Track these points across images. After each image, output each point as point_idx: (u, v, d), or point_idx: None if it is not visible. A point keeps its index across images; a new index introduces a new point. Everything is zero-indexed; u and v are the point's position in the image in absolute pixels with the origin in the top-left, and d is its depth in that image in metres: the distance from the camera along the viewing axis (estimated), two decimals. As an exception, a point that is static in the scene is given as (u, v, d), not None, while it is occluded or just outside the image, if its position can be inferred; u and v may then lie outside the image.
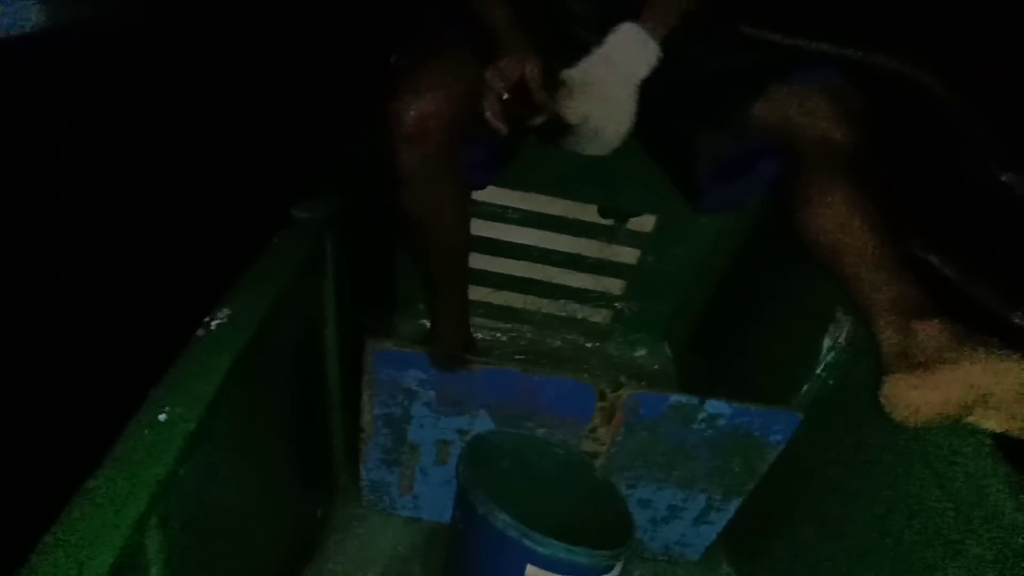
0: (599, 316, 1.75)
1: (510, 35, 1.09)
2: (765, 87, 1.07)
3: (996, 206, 1.41)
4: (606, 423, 1.15)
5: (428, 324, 1.40)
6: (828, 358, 1.15)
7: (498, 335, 1.73)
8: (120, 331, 1.04)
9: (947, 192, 1.44)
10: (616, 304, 1.73)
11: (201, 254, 1.13)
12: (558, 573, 0.98)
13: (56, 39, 1.00)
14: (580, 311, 1.74)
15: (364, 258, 1.43)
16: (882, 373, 0.89)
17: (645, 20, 1.11)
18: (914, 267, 0.93)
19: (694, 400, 1.12)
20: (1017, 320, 1.17)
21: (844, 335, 1.13)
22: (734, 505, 1.24)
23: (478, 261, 1.64)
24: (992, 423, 0.84)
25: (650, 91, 1.13)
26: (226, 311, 0.85)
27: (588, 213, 1.58)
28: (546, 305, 1.73)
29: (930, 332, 0.86)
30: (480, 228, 1.59)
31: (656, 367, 1.73)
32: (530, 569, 0.98)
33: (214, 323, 0.83)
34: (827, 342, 1.15)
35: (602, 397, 1.12)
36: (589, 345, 1.75)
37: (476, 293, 1.69)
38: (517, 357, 1.67)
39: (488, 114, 1.07)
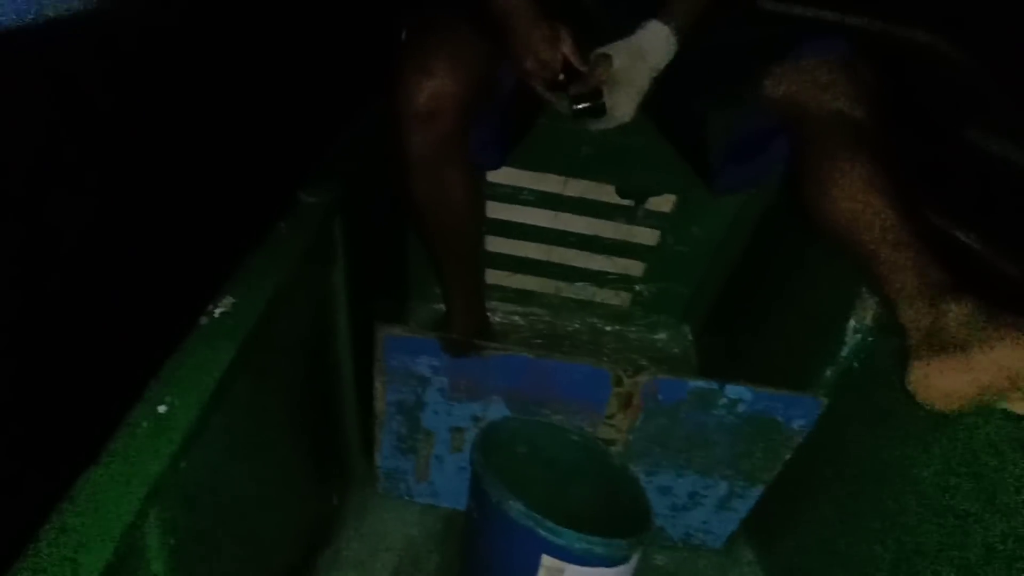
0: (618, 298, 1.71)
1: (530, 15, 1.08)
2: (773, 61, 1.04)
3: (1017, 177, 1.35)
4: (623, 409, 1.12)
5: (444, 309, 1.38)
6: (853, 340, 1.11)
7: (515, 319, 1.70)
8: (122, 320, 1.03)
9: (966, 165, 1.38)
10: (635, 286, 1.69)
11: (205, 241, 1.12)
12: (574, 563, 0.96)
13: (59, 26, 0.98)
14: (598, 294, 1.71)
15: (376, 243, 1.41)
16: (908, 357, 0.85)
17: (668, 16, 1.09)
18: (936, 244, 0.88)
19: (714, 385, 1.09)
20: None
21: (870, 315, 1.09)
22: (757, 492, 1.21)
23: (493, 244, 1.62)
24: (1025, 407, 0.80)
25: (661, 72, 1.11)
26: (229, 299, 0.84)
27: (605, 193, 1.55)
28: (563, 288, 1.70)
29: (957, 312, 0.81)
30: (495, 210, 1.57)
31: (676, 350, 1.69)
32: (545, 559, 0.96)
33: (216, 311, 0.82)
34: (852, 323, 1.11)
35: (618, 382, 1.09)
36: (608, 328, 1.72)
37: (492, 276, 1.67)
38: (534, 341, 1.65)
39: (549, 96, 1.11)
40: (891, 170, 0.93)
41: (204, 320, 0.80)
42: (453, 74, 1.06)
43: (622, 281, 1.68)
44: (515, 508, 0.96)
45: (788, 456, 1.16)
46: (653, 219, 1.58)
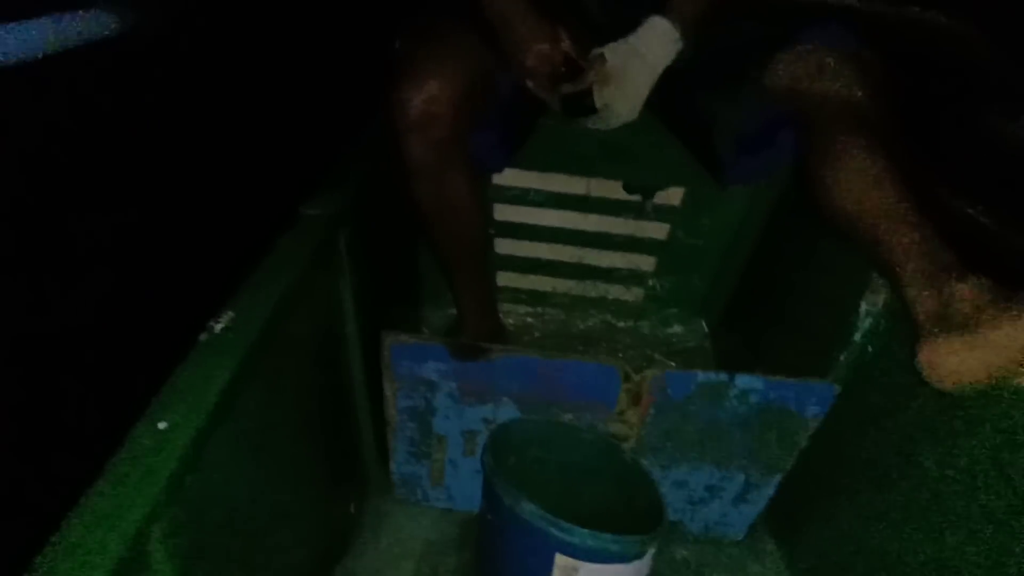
0: (631, 295, 1.70)
1: (528, 16, 1.08)
2: (777, 50, 1.03)
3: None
4: (634, 405, 1.11)
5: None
6: (866, 324, 1.10)
7: (528, 319, 1.70)
8: (125, 333, 1.04)
9: (972, 147, 1.35)
10: (648, 281, 1.68)
11: (208, 257, 1.13)
12: (587, 561, 0.95)
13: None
14: (611, 291, 1.70)
15: (385, 251, 1.42)
16: (918, 338, 0.84)
17: (672, 13, 1.09)
18: (945, 226, 0.87)
19: (724, 377, 1.08)
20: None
21: (882, 300, 1.07)
22: (774, 482, 1.20)
23: (503, 246, 1.62)
24: (1038, 385, 0.79)
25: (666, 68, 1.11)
26: (230, 314, 0.84)
27: (613, 190, 1.54)
28: (575, 286, 1.70)
29: (967, 291, 0.81)
30: (503, 212, 1.57)
31: (692, 344, 1.68)
32: (558, 558, 0.96)
33: (217, 326, 0.83)
34: (864, 308, 1.09)
35: (627, 379, 1.09)
36: (622, 325, 1.71)
37: (503, 278, 1.67)
38: (548, 341, 1.64)
39: (549, 98, 1.11)
40: (897, 156, 0.92)
41: (205, 335, 0.81)
42: (446, 79, 1.06)
43: (634, 277, 1.68)
44: (527, 508, 0.96)
45: (804, 444, 1.14)
46: (662, 213, 1.57)
